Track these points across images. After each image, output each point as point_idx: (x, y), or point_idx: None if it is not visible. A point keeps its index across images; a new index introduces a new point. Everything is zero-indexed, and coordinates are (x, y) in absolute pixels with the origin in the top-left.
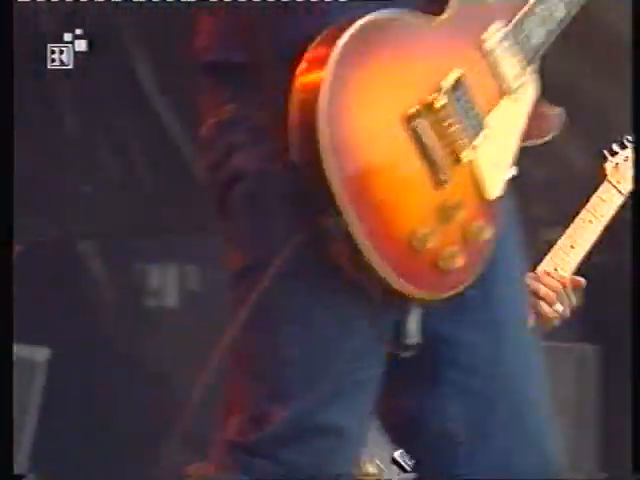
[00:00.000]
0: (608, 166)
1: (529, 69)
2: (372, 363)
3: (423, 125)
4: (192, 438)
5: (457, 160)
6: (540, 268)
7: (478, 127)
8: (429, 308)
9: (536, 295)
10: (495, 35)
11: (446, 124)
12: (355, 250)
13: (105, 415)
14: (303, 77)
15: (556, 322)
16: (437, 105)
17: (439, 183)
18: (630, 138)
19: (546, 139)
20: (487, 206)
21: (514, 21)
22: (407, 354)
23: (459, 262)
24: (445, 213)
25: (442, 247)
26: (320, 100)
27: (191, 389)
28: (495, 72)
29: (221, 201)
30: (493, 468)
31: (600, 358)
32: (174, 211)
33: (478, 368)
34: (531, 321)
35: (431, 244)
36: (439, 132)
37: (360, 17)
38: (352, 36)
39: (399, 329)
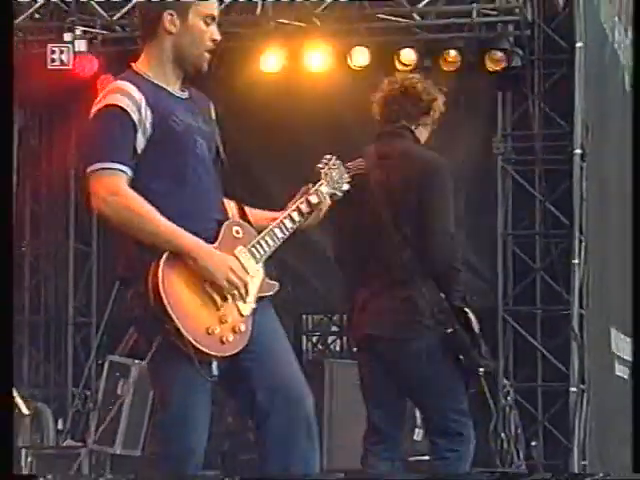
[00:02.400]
0: None
1: (259, 265)
2: (203, 385)
3: (209, 284)
4: None
5: (224, 299)
6: None
7: (246, 295)
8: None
9: None
10: (240, 252)
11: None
12: (183, 338)
13: None
14: (151, 269)
15: None
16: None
17: (219, 309)
18: None
19: (271, 293)
20: (245, 318)
21: (249, 245)
22: (215, 379)
23: (231, 340)
24: (223, 319)
25: (223, 334)
26: (159, 277)
27: None
28: (244, 264)
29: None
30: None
31: None
32: None
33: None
34: None
35: (217, 332)
36: (217, 289)
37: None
38: (164, 266)
39: (211, 369)
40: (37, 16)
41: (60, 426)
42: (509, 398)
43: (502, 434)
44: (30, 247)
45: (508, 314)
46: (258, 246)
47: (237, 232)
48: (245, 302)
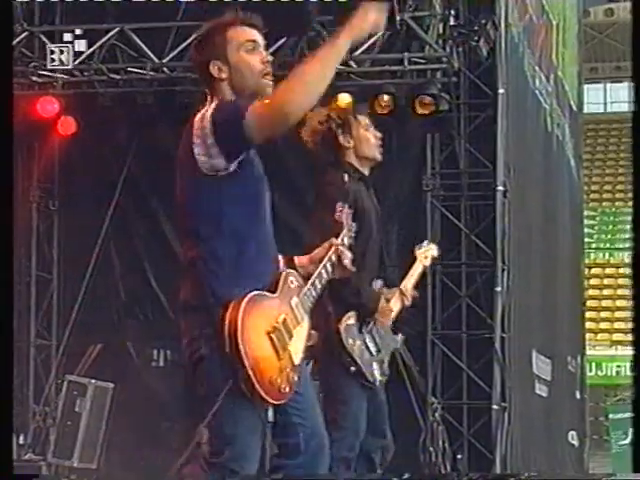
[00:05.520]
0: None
1: (306, 316)
2: (260, 426)
3: (275, 335)
4: None
5: (285, 349)
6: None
7: (289, 338)
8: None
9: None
10: (294, 301)
11: (281, 336)
12: (253, 387)
13: None
14: (227, 316)
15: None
16: (278, 326)
17: (280, 359)
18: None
19: (312, 343)
20: (296, 366)
21: (300, 295)
22: (270, 422)
23: (287, 391)
24: (282, 369)
25: (281, 384)
26: (238, 326)
27: None
28: (297, 316)
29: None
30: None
31: None
32: None
33: (302, 417)
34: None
35: (276, 382)
36: (280, 339)
37: (245, 296)
38: (246, 302)
39: (267, 415)
40: None
41: (22, 441)
42: (437, 415)
43: (430, 448)
44: None
45: (436, 337)
46: (306, 297)
47: (292, 282)
48: (297, 352)
